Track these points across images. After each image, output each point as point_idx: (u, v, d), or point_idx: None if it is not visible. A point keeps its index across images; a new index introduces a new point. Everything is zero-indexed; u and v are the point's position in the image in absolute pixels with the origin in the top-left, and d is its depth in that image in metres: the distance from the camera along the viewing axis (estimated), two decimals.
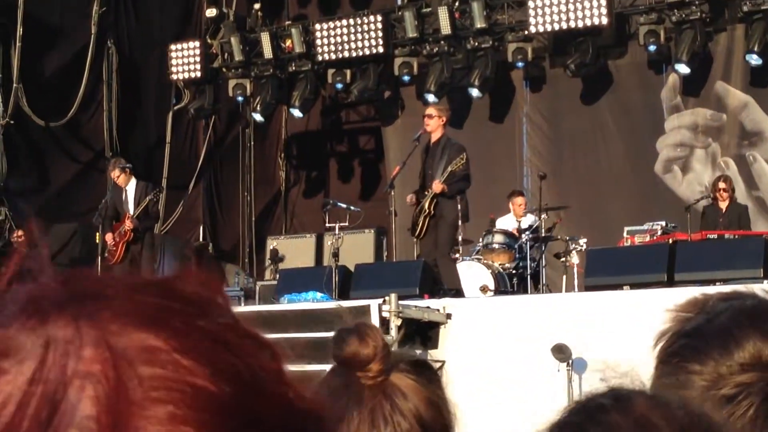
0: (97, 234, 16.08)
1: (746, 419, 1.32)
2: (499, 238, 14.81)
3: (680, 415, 1.08)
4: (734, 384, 1.33)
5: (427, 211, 13.64)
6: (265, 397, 0.73)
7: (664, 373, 1.39)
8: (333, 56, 18.73)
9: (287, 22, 20.05)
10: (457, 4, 18.12)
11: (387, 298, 11.58)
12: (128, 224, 15.51)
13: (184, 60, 19.71)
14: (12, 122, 18.67)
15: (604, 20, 16.86)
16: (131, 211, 15.57)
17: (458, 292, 13.26)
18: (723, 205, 15.05)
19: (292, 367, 0.77)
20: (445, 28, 17.95)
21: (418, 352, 10.81)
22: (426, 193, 13.71)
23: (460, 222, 13.78)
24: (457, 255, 14.25)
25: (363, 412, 2.02)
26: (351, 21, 18.58)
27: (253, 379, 0.73)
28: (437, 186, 13.54)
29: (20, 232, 16.97)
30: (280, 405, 0.73)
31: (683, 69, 17.03)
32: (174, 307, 0.73)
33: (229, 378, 0.71)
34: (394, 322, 11.45)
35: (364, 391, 2.04)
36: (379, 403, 2.03)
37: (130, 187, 15.74)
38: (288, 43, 19.35)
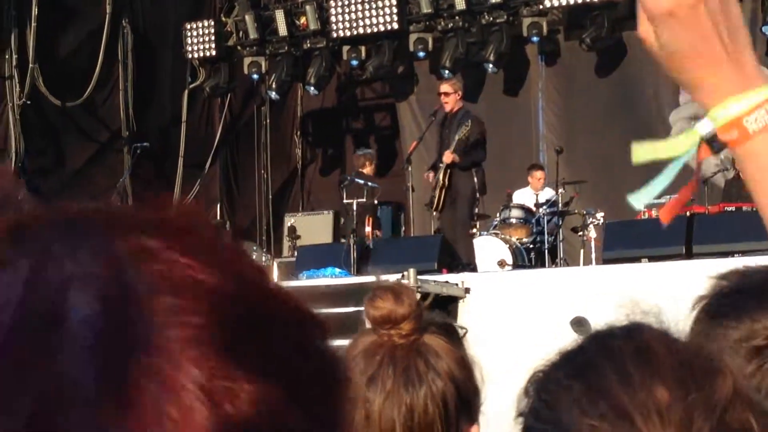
0: None
1: None
2: (516, 212, 14.81)
3: (682, 349, 1.10)
4: (766, 336, 1.34)
5: (442, 183, 13.64)
6: (268, 296, 0.73)
7: (701, 330, 1.41)
8: (348, 33, 18.68)
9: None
10: None
11: (405, 273, 11.59)
12: None
13: (199, 38, 19.71)
14: (29, 102, 18.69)
15: None
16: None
17: (473, 267, 13.29)
18: None
19: None
20: (460, 3, 17.88)
21: None
22: (440, 165, 13.72)
23: (477, 195, 13.78)
24: (475, 230, 14.25)
25: (397, 370, 2.03)
26: None
27: (255, 279, 0.74)
28: (447, 156, 13.55)
29: None
30: (283, 304, 0.74)
31: None
32: (167, 218, 0.74)
33: (229, 275, 0.72)
34: None
35: (397, 350, 2.06)
36: (413, 361, 2.04)
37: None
38: (302, 20, 19.31)
